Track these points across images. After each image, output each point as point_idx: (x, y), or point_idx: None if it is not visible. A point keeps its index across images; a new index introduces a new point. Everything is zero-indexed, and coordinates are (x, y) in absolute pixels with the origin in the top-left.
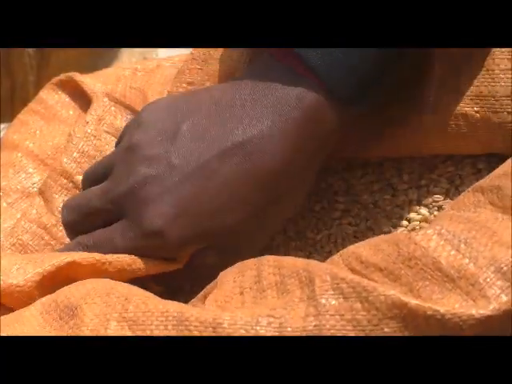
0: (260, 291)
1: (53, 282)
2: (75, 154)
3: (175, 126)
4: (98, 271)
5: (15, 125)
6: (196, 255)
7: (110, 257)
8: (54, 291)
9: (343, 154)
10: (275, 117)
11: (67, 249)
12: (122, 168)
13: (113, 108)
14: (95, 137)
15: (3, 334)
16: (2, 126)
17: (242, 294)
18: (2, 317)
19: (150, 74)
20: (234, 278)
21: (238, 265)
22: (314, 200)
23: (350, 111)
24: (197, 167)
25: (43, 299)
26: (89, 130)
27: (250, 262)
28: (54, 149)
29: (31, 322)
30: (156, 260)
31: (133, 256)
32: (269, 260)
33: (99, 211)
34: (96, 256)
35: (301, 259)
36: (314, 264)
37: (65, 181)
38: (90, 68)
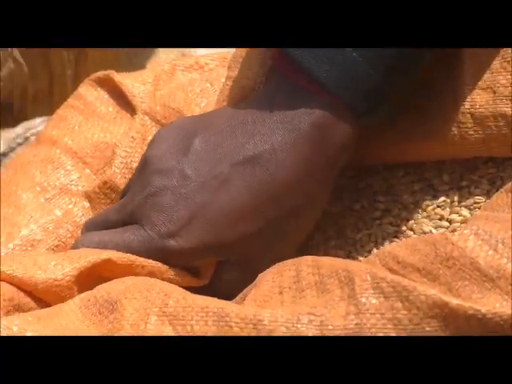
0: (299, 291)
1: (88, 278)
2: (124, 170)
3: (187, 140)
4: (131, 273)
5: (54, 120)
6: (215, 271)
7: (144, 261)
8: (90, 287)
9: (383, 159)
10: (285, 132)
11: (78, 244)
12: (138, 183)
13: (153, 128)
14: (141, 155)
15: (42, 328)
16: (40, 119)
17: (281, 293)
18: (41, 310)
19: (186, 87)
20: (272, 278)
21: (277, 265)
22: (354, 199)
23: (366, 122)
24: (209, 178)
25: (82, 295)
26: (135, 148)
27: (289, 263)
28: (94, 147)
29: (70, 316)
30: (184, 272)
31: (164, 266)
32: (307, 260)
33: (116, 225)
34: (131, 257)
35: (339, 259)
36: (353, 264)
37: (114, 194)
38: (128, 63)
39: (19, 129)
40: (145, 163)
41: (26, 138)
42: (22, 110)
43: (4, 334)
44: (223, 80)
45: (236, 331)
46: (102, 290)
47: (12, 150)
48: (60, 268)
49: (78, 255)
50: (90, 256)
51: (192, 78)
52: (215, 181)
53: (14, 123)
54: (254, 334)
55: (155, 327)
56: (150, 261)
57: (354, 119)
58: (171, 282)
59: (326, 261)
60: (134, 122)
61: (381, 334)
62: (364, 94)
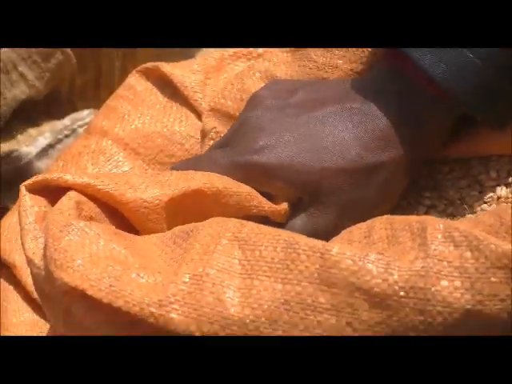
0: (370, 244)
1: (177, 205)
2: None
3: (293, 89)
4: (219, 202)
5: (104, 111)
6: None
7: (231, 190)
8: (177, 215)
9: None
10: (392, 98)
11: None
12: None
13: (230, 122)
14: None
15: (117, 240)
16: (87, 111)
17: (350, 244)
18: (118, 230)
19: (248, 73)
20: (341, 235)
21: (347, 229)
22: (401, 196)
23: (486, 122)
24: (309, 117)
25: (159, 234)
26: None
27: (359, 224)
28: (145, 137)
29: (142, 243)
30: (269, 203)
31: (252, 191)
32: (381, 218)
33: None
34: (220, 186)
35: (414, 216)
36: (427, 217)
37: None
38: (177, 54)
39: (66, 120)
40: (250, 98)
41: (73, 130)
42: (70, 102)
43: (78, 235)
44: (279, 54)
45: (303, 258)
46: (179, 226)
47: (59, 141)
48: (151, 191)
49: (169, 182)
50: (182, 184)
51: (245, 66)
52: (313, 118)
53: (61, 115)
54: (319, 263)
55: (224, 249)
56: (238, 187)
57: (453, 113)
58: (255, 212)
59: (401, 217)
60: (207, 124)
61: (445, 282)
62: (475, 90)
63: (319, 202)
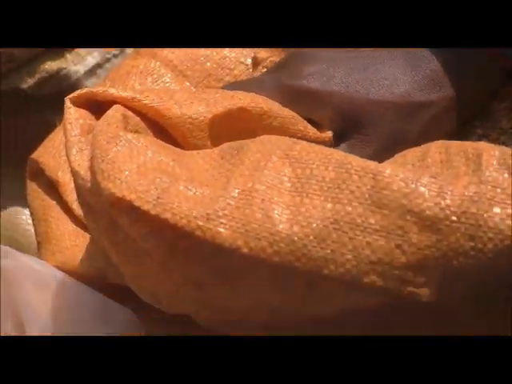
0: (423, 167)
1: (221, 123)
2: None
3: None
4: (263, 123)
5: None
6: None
7: (275, 112)
8: (221, 133)
9: None
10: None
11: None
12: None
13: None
14: None
15: (162, 145)
16: None
17: (403, 167)
18: (178, 149)
19: None
20: (394, 158)
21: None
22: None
23: None
24: (363, 51)
25: (206, 150)
26: None
27: (414, 148)
28: (193, 60)
29: (188, 155)
30: (314, 128)
31: (296, 115)
32: (437, 142)
33: None
34: (264, 107)
35: (470, 142)
36: (483, 143)
37: None
38: None
39: None
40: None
41: (122, 50)
42: None
43: (126, 146)
44: None
45: (354, 179)
46: (228, 143)
47: (107, 61)
48: (195, 108)
49: (214, 100)
50: (226, 102)
51: None
52: (367, 54)
53: None
54: (371, 183)
55: (274, 166)
56: (282, 110)
57: None
58: (299, 136)
59: (457, 142)
60: (259, 53)
61: (497, 209)
62: None
63: (362, 133)
